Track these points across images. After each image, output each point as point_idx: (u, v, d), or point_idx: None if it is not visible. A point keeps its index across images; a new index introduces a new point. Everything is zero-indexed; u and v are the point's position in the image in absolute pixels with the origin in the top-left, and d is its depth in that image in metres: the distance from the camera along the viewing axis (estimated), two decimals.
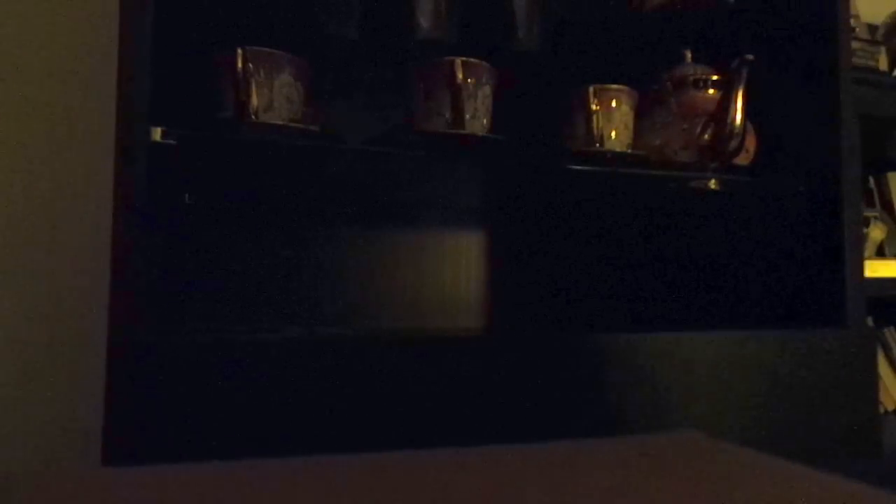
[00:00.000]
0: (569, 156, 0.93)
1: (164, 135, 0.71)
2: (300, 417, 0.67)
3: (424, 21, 0.93)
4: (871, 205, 1.48)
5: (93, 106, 1.03)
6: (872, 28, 1.46)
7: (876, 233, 1.40)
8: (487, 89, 0.88)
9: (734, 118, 0.89)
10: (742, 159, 0.95)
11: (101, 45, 1.03)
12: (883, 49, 1.38)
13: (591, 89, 0.90)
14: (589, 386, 0.76)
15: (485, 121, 0.88)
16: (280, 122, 0.80)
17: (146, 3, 0.69)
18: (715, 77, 0.97)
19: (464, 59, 0.84)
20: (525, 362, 0.75)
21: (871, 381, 0.90)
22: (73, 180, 1.03)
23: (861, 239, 0.98)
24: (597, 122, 0.90)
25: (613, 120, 0.92)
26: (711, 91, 0.96)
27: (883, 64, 1.37)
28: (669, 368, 0.79)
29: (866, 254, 1.30)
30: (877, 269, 1.26)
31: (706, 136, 0.92)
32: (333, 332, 0.94)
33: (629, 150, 0.94)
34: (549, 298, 1.14)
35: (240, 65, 0.76)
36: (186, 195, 0.94)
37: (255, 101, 0.77)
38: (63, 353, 1.00)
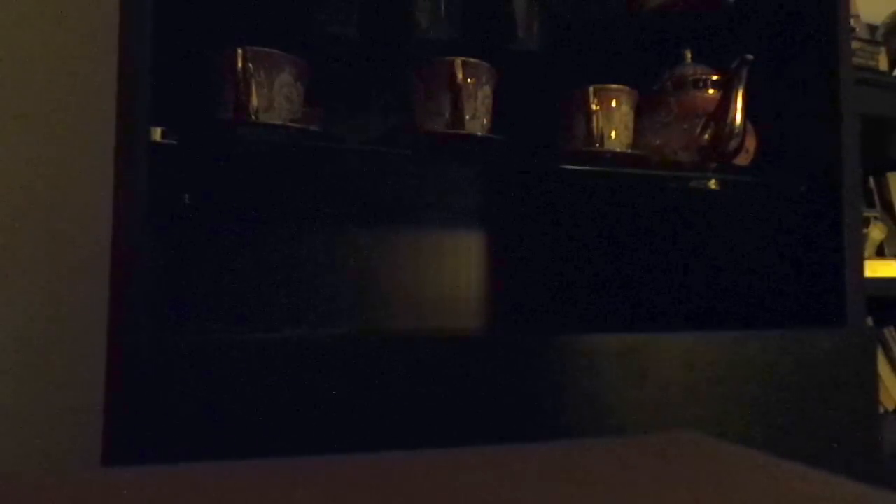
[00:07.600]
0: (569, 156, 0.94)
1: (164, 135, 0.70)
2: (300, 417, 0.67)
3: (424, 21, 0.93)
4: (871, 205, 1.48)
5: (93, 106, 1.03)
6: (872, 28, 1.46)
7: (876, 233, 1.40)
8: (487, 89, 0.88)
9: (734, 118, 0.89)
10: (742, 159, 0.95)
11: (101, 45, 1.03)
12: (883, 49, 1.38)
13: (591, 89, 0.90)
14: (589, 386, 0.76)
15: (485, 121, 0.88)
16: (280, 122, 0.80)
17: (146, 3, 0.69)
18: (715, 77, 0.97)
19: (464, 59, 0.84)
20: (525, 362, 0.75)
21: (871, 381, 0.90)
22: (73, 180, 1.03)
23: (861, 239, 0.97)
24: (597, 122, 0.90)
25: (613, 120, 0.92)
26: (711, 91, 0.96)
27: (883, 64, 1.37)
28: (669, 368, 0.79)
29: (866, 254, 1.30)
30: (877, 269, 1.26)
31: (706, 136, 0.92)
32: (333, 332, 0.94)
33: (629, 150, 0.94)
34: (549, 298, 1.14)
35: (240, 65, 0.76)
36: (186, 195, 0.94)
37: (255, 101, 0.77)
38: (63, 352, 1.00)
